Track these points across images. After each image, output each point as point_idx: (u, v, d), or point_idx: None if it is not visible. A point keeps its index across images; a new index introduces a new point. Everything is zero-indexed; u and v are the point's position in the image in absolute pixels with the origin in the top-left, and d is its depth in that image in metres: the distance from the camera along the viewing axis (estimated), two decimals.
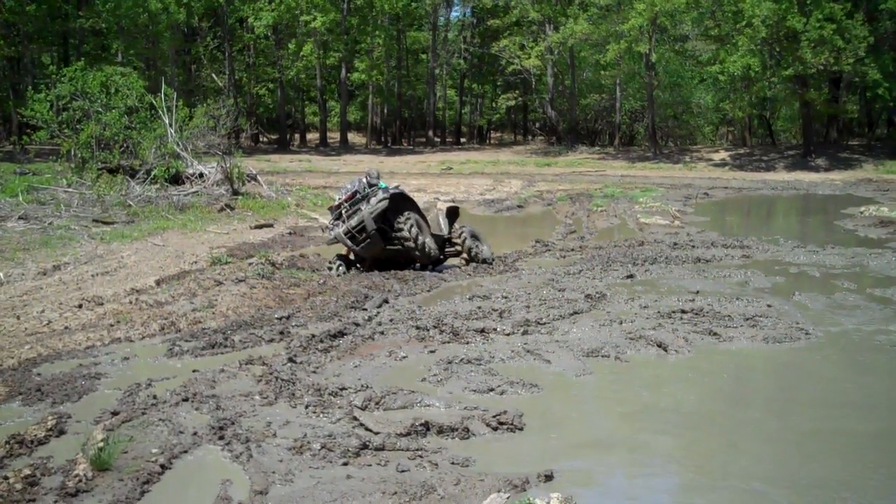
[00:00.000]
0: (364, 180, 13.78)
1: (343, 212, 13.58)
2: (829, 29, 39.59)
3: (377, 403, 6.82)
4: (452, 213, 15.09)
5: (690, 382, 7.77)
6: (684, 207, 25.29)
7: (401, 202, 13.76)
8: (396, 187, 14.02)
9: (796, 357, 8.58)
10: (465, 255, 14.41)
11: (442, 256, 14.76)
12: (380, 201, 13.24)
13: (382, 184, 13.79)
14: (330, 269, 13.60)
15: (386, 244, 13.48)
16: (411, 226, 13.36)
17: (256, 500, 5.21)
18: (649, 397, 7.32)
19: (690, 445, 6.39)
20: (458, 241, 14.44)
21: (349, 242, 13.29)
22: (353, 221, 13.20)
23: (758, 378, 8.03)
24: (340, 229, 13.37)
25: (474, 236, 14.64)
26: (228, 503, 5.20)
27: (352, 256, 13.86)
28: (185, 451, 5.88)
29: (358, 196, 13.59)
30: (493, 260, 14.55)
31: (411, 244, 13.31)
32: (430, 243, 13.69)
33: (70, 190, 21.58)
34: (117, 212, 19.69)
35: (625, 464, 6.05)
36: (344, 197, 13.79)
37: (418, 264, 13.89)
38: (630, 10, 46.71)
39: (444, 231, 14.59)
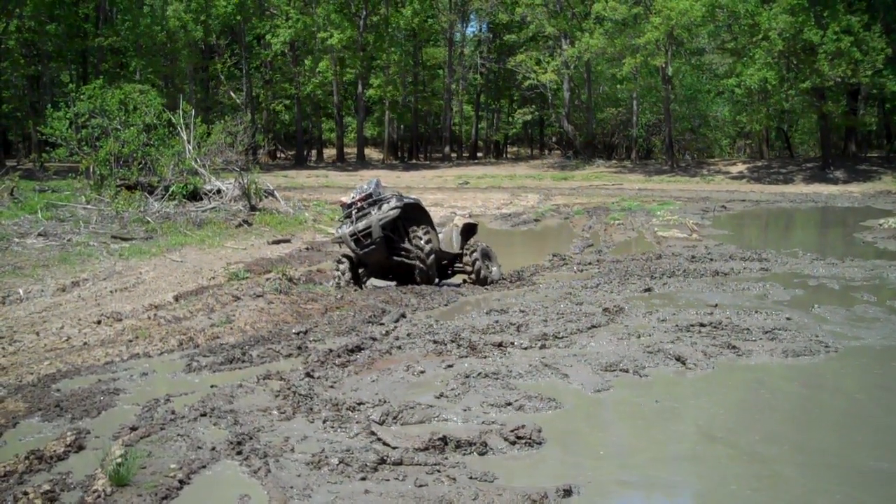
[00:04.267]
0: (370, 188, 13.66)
1: (353, 212, 13.37)
2: (846, 41, 39.53)
3: (395, 418, 6.81)
4: (469, 230, 14.69)
5: (710, 397, 7.71)
6: (702, 220, 25.23)
7: (414, 212, 13.58)
8: (416, 200, 13.92)
9: (816, 372, 8.50)
10: (472, 276, 13.89)
11: (450, 272, 14.62)
12: (392, 209, 13.02)
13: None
14: (335, 273, 13.47)
15: (390, 254, 13.27)
16: (427, 239, 13.14)
17: None
18: (669, 412, 7.27)
19: (710, 463, 6.33)
20: (469, 259, 13.91)
21: (353, 245, 13.07)
22: (361, 225, 12.97)
23: (778, 394, 7.94)
24: (347, 230, 13.17)
25: (486, 255, 14.20)
26: None
27: (355, 260, 13.61)
28: (204, 467, 5.88)
29: (372, 199, 13.37)
30: (500, 280, 14.19)
31: (421, 263, 13.12)
32: (434, 264, 13.48)
33: (89, 207, 21.71)
34: (136, 228, 19.78)
35: (644, 480, 6.00)
36: (358, 196, 13.54)
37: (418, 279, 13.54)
38: (646, 24, 46.79)
39: (456, 247, 14.21)
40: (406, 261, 13.34)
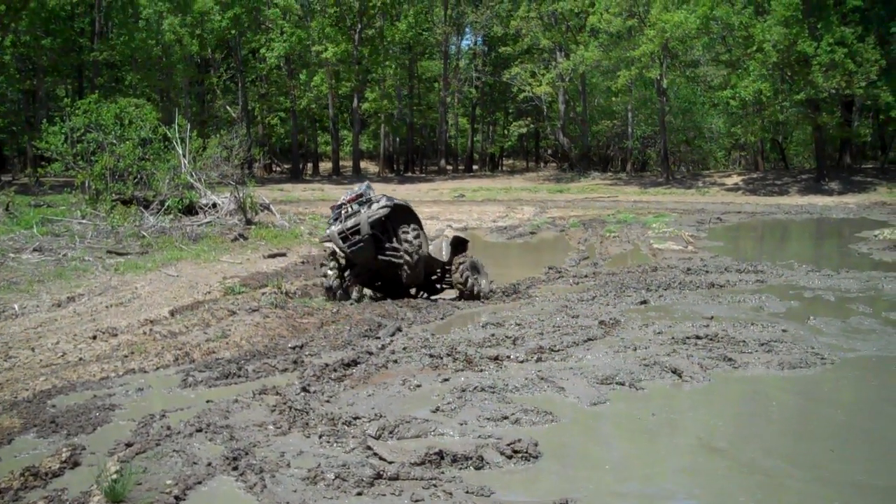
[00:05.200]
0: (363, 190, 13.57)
1: (343, 212, 13.30)
2: (840, 53, 39.69)
3: (391, 432, 6.80)
4: (459, 244, 14.49)
5: (707, 410, 7.71)
6: (697, 232, 25.25)
7: (403, 215, 13.46)
8: (406, 203, 13.82)
9: (812, 384, 8.49)
10: (460, 287, 13.65)
11: (440, 286, 14.51)
12: (381, 208, 12.95)
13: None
14: (323, 273, 13.40)
15: (377, 253, 13.13)
16: (416, 236, 13.02)
17: None
18: (665, 425, 7.26)
19: (709, 475, 6.32)
20: (458, 272, 13.68)
21: (340, 243, 12.95)
22: (350, 223, 12.89)
23: (774, 406, 7.94)
24: (335, 228, 13.09)
25: (475, 268, 13.99)
26: None
27: (342, 260, 13.51)
28: (200, 482, 5.86)
29: (363, 199, 13.29)
30: (492, 294, 14.09)
31: (408, 257, 12.89)
32: (421, 263, 13.28)
33: (84, 221, 21.70)
34: (131, 243, 19.77)
35: (642, 492, 5.99)
36: (349, 197, 13.49)
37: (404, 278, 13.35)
38: (641, 37, 46.94)
39: (444, 258, 14.01)
40: (393, 260, 13.15)
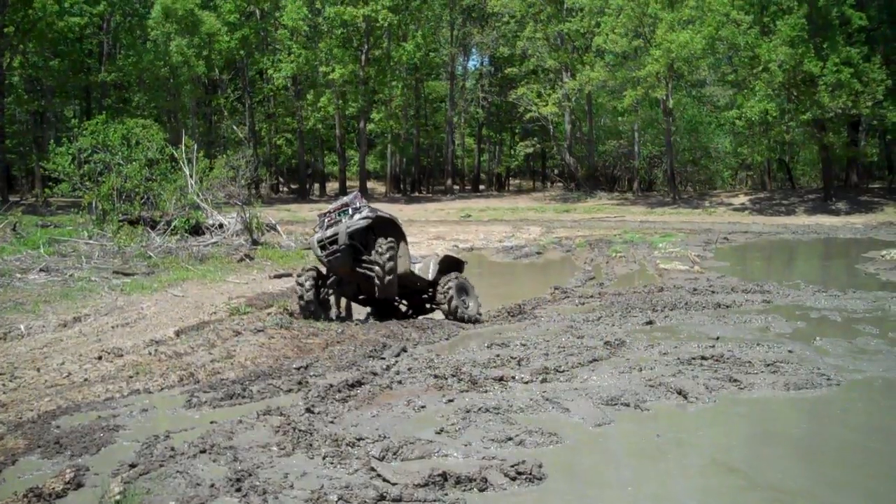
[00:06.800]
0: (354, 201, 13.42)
1: (326, 220, 13.22)
2: (846, 73, 39.78)
3: (395, 454, 6.77)
4: (453, 265, 14.27)
5: (711, 431, 7.67)
6: (704, 252, 25.22)
7: (387, 228, 13.29)
8: (391, 217, 13.60)
9: (818, 405, 8.45)
10: (442, 308, 13.43)
11: (429, 306, 14.37)
12: (362, 218, 12.85)
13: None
14: (299, 281, 13.20)
15: (355, 265, 12.99)
16: (389, 248, 12.65)
17: None
18: (670, 447, 7.22)
19: (715, 495, 6.29)
20: (442, 290, 13.42)
21: (319, 251, 12.93)
22: (329, 231, 12.84)
23: (781, 428, 7.90)
24: (316, 236, 13.08)
25: (462, 289, 13.66)
26: None
27: (323, 270, 13.38)
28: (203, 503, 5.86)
29: (348, 209, 13.15)
30: (479, 317, 13.79)
31: (379, 269, 12.57)
32: (393, 278, 12.89)
33: (91, 242, 21.74)
34: (137, 263, 19.79)
35: None
36: (335, 206, 13.41)
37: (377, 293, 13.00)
38: (647, 57, 47.06)
39: (430, 277, 13.76)
40: (369, 272, 12.96)
